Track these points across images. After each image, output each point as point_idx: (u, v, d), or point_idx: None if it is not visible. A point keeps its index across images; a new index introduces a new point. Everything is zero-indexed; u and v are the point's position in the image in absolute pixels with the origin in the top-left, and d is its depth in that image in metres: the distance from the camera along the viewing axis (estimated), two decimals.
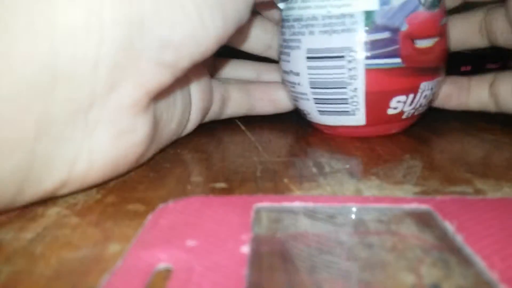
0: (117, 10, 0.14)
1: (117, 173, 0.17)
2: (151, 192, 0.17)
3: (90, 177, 0.16)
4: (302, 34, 0.22)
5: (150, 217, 0.14)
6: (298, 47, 0.22)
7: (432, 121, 0.28)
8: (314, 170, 0.19)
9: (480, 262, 0.11)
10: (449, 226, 0.13)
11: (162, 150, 0.22)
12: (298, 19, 0.22)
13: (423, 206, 0.14)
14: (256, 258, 0.11)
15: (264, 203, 0.15)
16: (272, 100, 0.28)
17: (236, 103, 0.27)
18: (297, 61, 0.23)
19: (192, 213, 0.14)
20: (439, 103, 0.27)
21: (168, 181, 0.18)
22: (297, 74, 0.23)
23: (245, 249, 0.12)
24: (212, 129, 0.27)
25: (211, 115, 0.26)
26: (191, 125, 0.23)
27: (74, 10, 0.13)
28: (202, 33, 0.16)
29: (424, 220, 0.14)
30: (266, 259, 0.11)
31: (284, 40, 0.23)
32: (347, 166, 0.19)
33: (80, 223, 0.14)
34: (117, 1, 0.14)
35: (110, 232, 0.13)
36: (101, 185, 0.17)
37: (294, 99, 0.25)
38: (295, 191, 0.16)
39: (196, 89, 0.23)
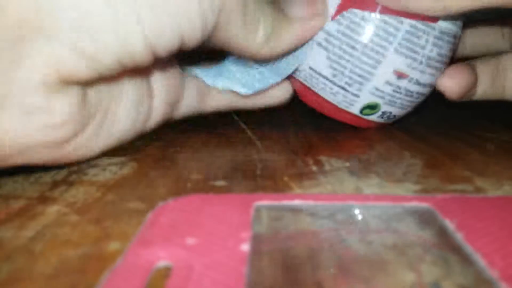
0: None
1: (41, 158, 0.17)
2: (151, 190, 0.17)
3: (2, 155, 0.15)
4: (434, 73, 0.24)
5: (150, 215, 0.14)
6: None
7: (432, 119, 0.28)
8: (314, 168, 0.19)
9: (480, 260, 0.11)
10: (449, 224, 0.13)
11: (162, 149, 0.22)
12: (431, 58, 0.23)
13: (423, 204, 0.14)
14: (256, 256, 0.11)
15: (264, 201, 0.15)
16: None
17: (217, 98, 0.26)
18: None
19: (192, 211, 0.14)
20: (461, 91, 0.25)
21: (168, 179, 0.18)
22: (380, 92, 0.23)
23: (245, 247, 0.12)
24: (212, 127, 0.27)
25: (188, 110, 0.25)
26: (156, 118, 0.22)
27: None
28: (131, 35, 0.15)
29: (424, 218, 0.14)
30: (266, 257, 0.11)
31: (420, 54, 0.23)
32: (347, 164, 0.19)
33: (80, 221, 0.14)
34: None
35: (110, 230, 0.13)
36: (100, 183, 0.17)
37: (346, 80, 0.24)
38: (295, 189, 0.16)
39: (159, 81, 0.22)
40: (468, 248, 0.12)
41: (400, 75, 0.23)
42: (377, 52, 0.22)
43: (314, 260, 0.11)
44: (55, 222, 0.14)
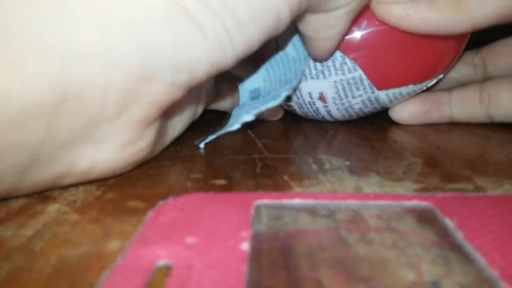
0: (131, 37, 0.14)
1: (121, 172, 0.18)
2: (151, 189, 0.16)
3: (91, 175, 0.16)
4: None
5: (150, 214, 0.14)
6: None
7: None
8: (314, 167, 0.19)
9: (480, 259, 0.11)
10: (450, 223, 0.13)
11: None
12: None
13: (424, 203, 0.14)
14: (256, 255, 0.11)
15: (264, 200, 0.15)
16: None
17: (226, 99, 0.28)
18: None
19: (192, 210, 0.14)
20: (415, 120, 0.27)
21: (168, 178, 0.18)
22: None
23: (245, 246, 0.12)
24: (212, 126, 0.27)
25: (222, 106, 0.27)
26: (199, 111, 0.24)
27: (86, 32, 0.13)
28: (220, 56, 0.15)
29: (424, 217, 0.14)
30: (266, 256, 0.11)
31: None
32: (347, 163, 0.19)
33: (80, 220, 0.14)
34: (132, 28, 0.14)
35: (109, 229, 0.13)
36: (100, 182, 0.17)
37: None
38: (295, 188, 0.16)
39: (206, 84, 0.23)
40: (468, 247, 0.12)
41: (322, 99, 0.25)
42: (323, 72, 0.24)
43: (314, 259, 0.11)
44: (55, 221, 0.14)
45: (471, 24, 0.21)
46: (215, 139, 0.24)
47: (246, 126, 0.27)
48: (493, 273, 0.10)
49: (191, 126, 0.27)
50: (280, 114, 0.30)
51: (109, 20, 0.14)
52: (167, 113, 0.19)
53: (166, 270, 0.11)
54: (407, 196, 0.15)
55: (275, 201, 0.15)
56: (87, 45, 0.13)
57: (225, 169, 0.19)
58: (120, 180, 0.17)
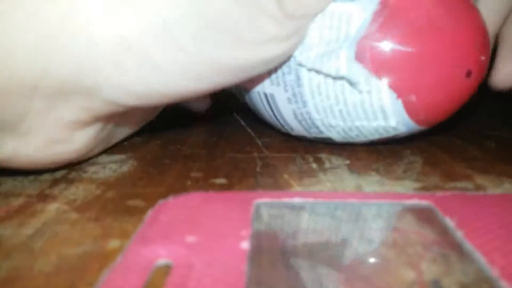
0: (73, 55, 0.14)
1: (43, 168, 0.18)
2: (151, 188, 0.16)
3: (11, 163, 0.16)
4: None
5: (150, 213, 0.14)
6: None
7: None
8: (314, 166, 0.19)
9: (480, 258, 0.11)
10: (450, 222, 0.13)
11: (162, 147, 0.22)
12: None
13: (424, 202, 0.14)
14: (256, 254, 0.11)
15: (264, 199, 0.15)
16: None
17: None
18: None
19: (192, 209, 0.14)
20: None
21: (168, 177, 0.18)
22: None
23: (245, 245, 0.12)
24: (212, 124, 0.27)
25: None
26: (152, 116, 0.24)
27: (26, 34, 0.14)
28: (170, 90, 0.16)
29: (424, 216, 0.14)
30: (266, 255, 0.11)
31: None
32: (347, 162, 0.19)
33: (80, 219, 0.14)
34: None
35: (109, 228, 0.13)
36: (100, 181, 0.17)
37: None
38: (295, 187, 0.16)
39: None
40: (469, 246, 0.12)
41: None
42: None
43: (314, 258, 0.11)
44: (55, 220, 0.14)
45: None
46: (214, 139, 0.24)
47: (246, 125, 0.27)
48: (493, 272, 0.10)
49: (189, 126, 0.27)
50: (207, 103, 0.28)
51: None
52: (111, 120, 0.19)
53: (166, 269, 0.11)
54: (407, 195, 0.15)
55: (275, 200, 0.15)
56: (26, 47, 0.14)
57: (225, 168, 0.19)
58: (120, 179, 0.17)
